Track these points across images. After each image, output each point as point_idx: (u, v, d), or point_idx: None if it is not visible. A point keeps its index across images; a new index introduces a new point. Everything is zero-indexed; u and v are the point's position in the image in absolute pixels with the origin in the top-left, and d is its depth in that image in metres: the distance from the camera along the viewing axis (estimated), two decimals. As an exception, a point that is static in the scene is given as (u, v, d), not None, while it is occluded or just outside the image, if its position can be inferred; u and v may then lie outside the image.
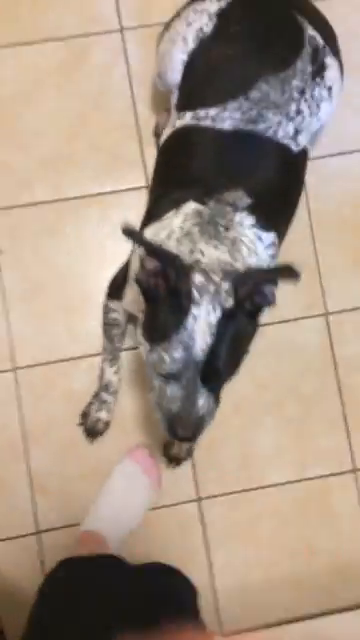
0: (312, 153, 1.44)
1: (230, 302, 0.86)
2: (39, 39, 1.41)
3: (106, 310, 1.30)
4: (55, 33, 1.42)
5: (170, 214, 1.04)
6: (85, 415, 1.37)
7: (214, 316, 0.85)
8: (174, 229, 1.01)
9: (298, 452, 1.43)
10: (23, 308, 1.39)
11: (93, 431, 1.37)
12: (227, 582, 1.38)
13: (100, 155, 1.42)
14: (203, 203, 1.03)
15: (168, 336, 0.85)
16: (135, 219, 1.32)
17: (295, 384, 1.44)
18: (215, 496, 1.40)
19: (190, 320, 0.85)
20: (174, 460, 1.39)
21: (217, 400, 0.93)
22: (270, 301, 0.90)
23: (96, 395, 1.36)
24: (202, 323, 0.85)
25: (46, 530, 1.35)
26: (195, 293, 0.85)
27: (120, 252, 1.29)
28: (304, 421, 1.44)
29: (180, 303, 0.85)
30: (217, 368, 0.87)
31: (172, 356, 0.86)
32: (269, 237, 1.07)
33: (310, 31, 1.14)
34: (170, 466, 1.39)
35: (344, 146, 1.47)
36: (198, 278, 0.87)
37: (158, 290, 0.88)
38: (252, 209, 1.05)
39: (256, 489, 1.40)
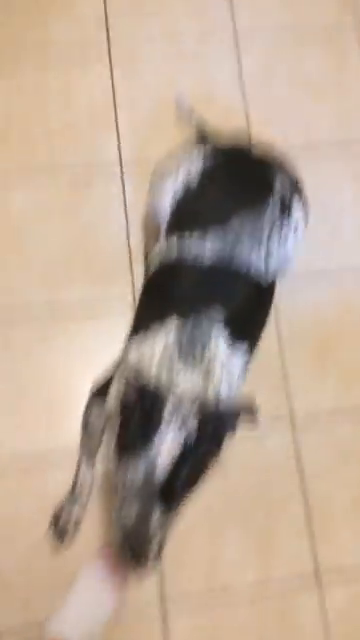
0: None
1: (193, 433, 1.00)
2: (50, 168, 1.63)
3: (87, 408, 1.36)
4: (64, 165, 1.64)
5: (156, 325, 1.18)
6: (56, 515, 1.37)
7: (178, 442, 0.99)
8: (155, 352, 1.14)
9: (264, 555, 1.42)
10: (8, 404, 1.44)
11: (63, 532, 1.36)
12: None
13: (93, 269, 1.57)
14: (185, 316, 1.17)
15: (134, 451, 0.99)
16: (121, 324, 1.45)
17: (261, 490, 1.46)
18: (182, 600, 1.35)
19: (156, 442, 0.98)
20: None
21: (172, 516, 1.02)
22: (232, 430, 1.05)
23: (69, 494, 1.37)
24: (166, 447, 0.98)
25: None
26: (164, 421, 1.00)
27: (103, 355, 1.40)
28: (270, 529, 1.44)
29: (150, 426, 1.00)
30: (174, 488, 0.98)
31: (135, 474, 0.98)
32: (242, 346, 1.22)
33: (278, 177, 1.37)
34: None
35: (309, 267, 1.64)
36: (168, 408, 1.01)
37: (135, 409, 1.03)
38: (227, 322, 1.20)
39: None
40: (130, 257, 1.57)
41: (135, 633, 1.34)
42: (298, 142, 1.69)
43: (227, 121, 1.65)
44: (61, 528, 1.36)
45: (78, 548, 1.36)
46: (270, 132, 1.60)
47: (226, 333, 1.19)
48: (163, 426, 0.99)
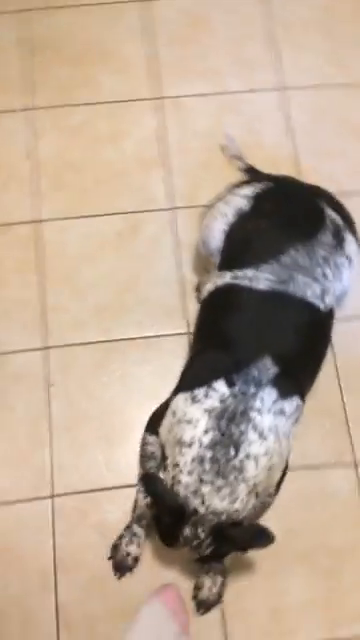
0: (340, 313, 1.64)
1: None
2: (104, 213, 1.71)
3: (144, 442, 1.38)
4: (117, 209, 1.72)
5: (200, 392, 1.19)
6: (115, 548, 1.38)
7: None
8: (188, 459, 1.15)
9: (329, 608, 1.39)
10: (67, 437, 1.48)
11: (122, 566, 1.37)
12: None
13: (147, 306, 1.62)
14: (231, 384, 1.18)
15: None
16: (176, 360, 1.48)
17: (325, 534, 1.44)
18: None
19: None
20: (203, 605, 1.36)
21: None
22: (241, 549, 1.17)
23: (127, 527, 1.38)
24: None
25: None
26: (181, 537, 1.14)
27: (159, 389, 1.43)
28: (335, 574, 1.41)
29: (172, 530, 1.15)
30: None
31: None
32: (292, 404, 1.21)
33: (330, 212, 1.38)
34: (199, 612, 1.35)
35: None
36: (186, 532, 1.13)
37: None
38: (276, 379, 1.19)
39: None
40: (184, 290, 1.62)
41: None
42: (349, 188, 1.72)
43: (276, 169, 1.68)
44: (119, 562, 1.37)
45: (139, 585, 1.36)
46: (320, 179, 1.63)
47: (273, 397, 1.18)
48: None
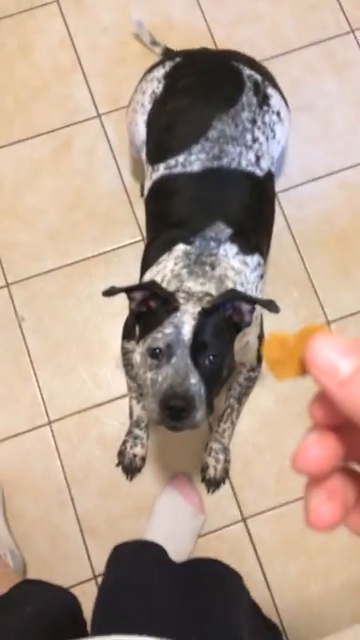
0: (286, 184, 1.62)
1: (208, 306, 1.02)
2: (31, 136, 1.64)
3: (124, 351, 1.41)
4: (44, 129, 1.64)
5: (164, 257, 1.18)
6: (121, 454, 1.44)
7: (197, 310, 1.01)
8: (166, 273, 1.15)
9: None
10: (49, 366, 1.50)
11: (131, 468, 1.43)
12: (287, 598, 1.38)
13: (97, 220, 1.59)
14: (190, 243, 1.17)
15: (160, 322, 1.00)
16: (135, 270, 1.48)
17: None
18: (259, 513, 1.43)
19: (179, 311, 1.00)
20: (212, 484, 1.44)
21: (210, 405, 1.01)
22: (247, 321, 1.06)
23: (129, 432, 1.44)
24: (188, 314, 0.99)
25: (101, 575, 1.38)
26: (181, 300, 1.03)
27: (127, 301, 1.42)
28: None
29: (169, 306, 1.01)
30: (204, 341, 0.98)
31: (164, 332, 0.99)
32: (254, 260, 1.21)
33: (247, 71, 1.32)
34: (209, 491, 1.44)
35: (311, 174, 1.64)
36: (182, 295, 1.05)
37: (150, 309, 1.05)
38: (233, 237, 1.18)
39: (299, 499, 1.43)
40: (129, 198, 1.59)
41: (226, 557, 1.42)
42: (272, 53, 1.66)
43: (192, 46, 1.61)
44: (127, 465, 1.43)
45: (150, 481, 1.43)
46: (240, 48, 1.55)
47: (234, 250, 1.17)
48: (180, 305, 1.02)
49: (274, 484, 1.45)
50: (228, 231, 1.18)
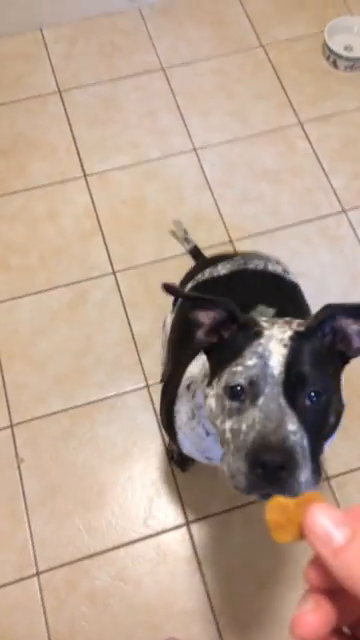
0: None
1: (302, 328, 0.78)
2: (50, 287, 1.78)
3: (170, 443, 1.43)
4: (63, 282, 1.79)
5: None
6: (170, 452, 1.45)
7: (288, 334, 0.76)
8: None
9: None
10: (44, 511, 1.47)
11: (182, 462, 1.46)
12: None
13: (105, 366, 1.67)
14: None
15: (239, 352, 0.75)
16: (139, 415, 1.51)
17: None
18: None
19: (263, 337, 0.76)
20: None
21: (317, 463, 0.73)
22: (357, 346, 0.78)
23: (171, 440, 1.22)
24: (276, 340, 0.75)
25: None
26: (264, 324, 0.79)
27: (129, 445, 1.45)
28: None
29: (249, 331, 0.77)
30: (301, 373, 0.73)
31: (245, 364, 0.74)
32: None
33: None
34: None
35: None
36: (263, 319, 0.81)
37: (221, 340, 0.81)
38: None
39: None
40: (136, 347, 1.68)
41: None
42: (272, 226, 1.85)
43: (200, 221, 1.79)
44: (178, 460, 1.46)
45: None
46: (243, 222, 1.73)
47: None
48: (266, 329, 0.77)
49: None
50: (271, 311, 1.04)
